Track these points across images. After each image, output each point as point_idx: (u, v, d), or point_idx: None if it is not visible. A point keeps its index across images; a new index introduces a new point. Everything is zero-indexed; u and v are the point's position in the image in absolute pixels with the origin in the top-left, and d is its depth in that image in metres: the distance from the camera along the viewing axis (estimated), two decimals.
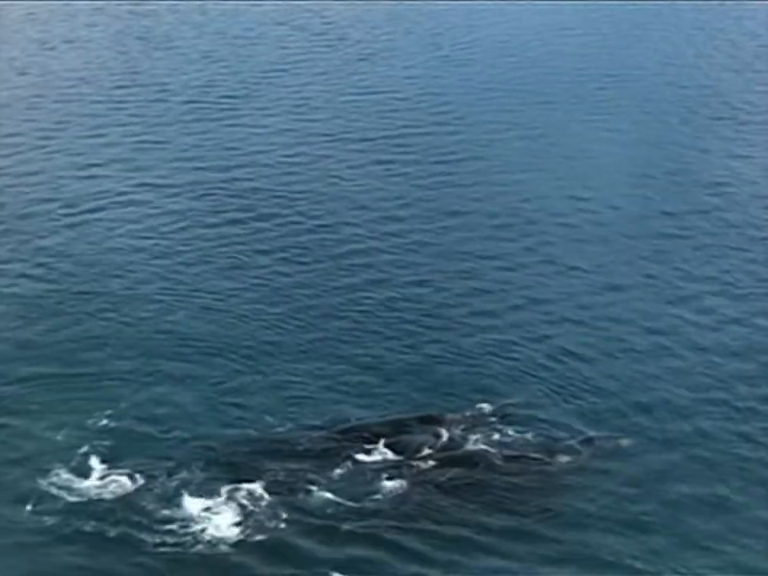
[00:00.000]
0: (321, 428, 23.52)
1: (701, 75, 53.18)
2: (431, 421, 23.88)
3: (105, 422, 23.64)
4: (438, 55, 57.06)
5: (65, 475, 21.82)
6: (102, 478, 21.77)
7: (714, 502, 21.66)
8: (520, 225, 35.17)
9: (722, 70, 54.19)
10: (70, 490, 21.45)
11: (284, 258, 32.49)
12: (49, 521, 20.74)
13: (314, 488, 21.63)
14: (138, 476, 21.81)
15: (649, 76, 52.99)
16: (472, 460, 22.60)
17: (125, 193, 37.47)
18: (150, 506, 21.01)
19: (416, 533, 20.68)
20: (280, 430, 23.61)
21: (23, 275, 31.08)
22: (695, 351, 27.31)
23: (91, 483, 21.66)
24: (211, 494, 21.34)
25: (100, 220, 35.15)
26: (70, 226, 34.65)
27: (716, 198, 37.72)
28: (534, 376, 26.06)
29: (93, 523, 20.67)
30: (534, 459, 22.70)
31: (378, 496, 21.57)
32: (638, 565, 20.05)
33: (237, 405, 24.61)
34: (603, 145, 42.73)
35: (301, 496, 21.43)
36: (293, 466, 22.22)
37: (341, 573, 19.68)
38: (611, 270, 31.93)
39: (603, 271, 31.85)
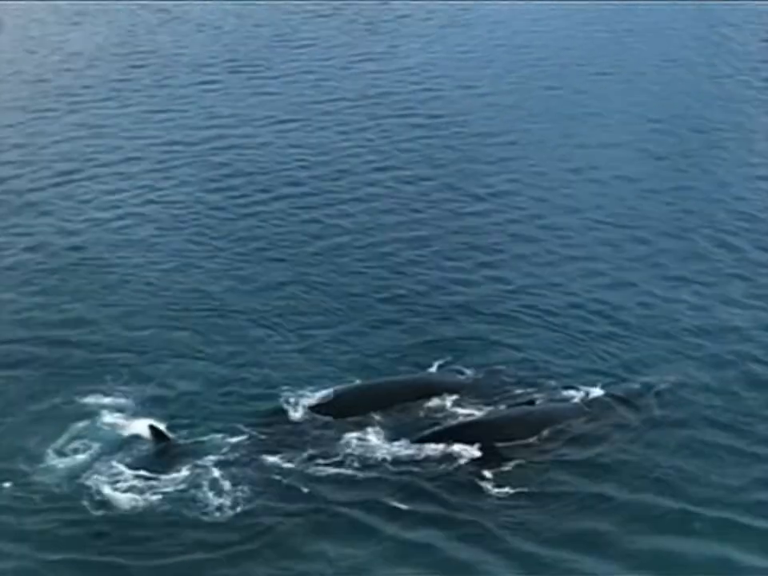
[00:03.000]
0: (328, 397, 23.07)
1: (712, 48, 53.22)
2: (442, 385, 23.56)
3: (115, 394, 23.35)
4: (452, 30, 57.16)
5: (67, 452, 21.50)
6: (104, 454, 21.39)
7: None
8: (527, 195, 34.97)
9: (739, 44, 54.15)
10: (72, 465, 21.13)
11: (296, 229, 32.40)
12: (47, 500, 20.28)
13: (324, 461, 21.29)
14: (145, 448, 21.65)
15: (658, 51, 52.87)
16: (486, 425, 22.22)
17: (132, 165, 37.69)
18: (160, 481, 20.70)
19: (424, 504, 20.31)
20: (290, 399, 23.29)
21: (27, 249, 31.08)
22: (701, 304, 27.48)
23: (90, 458, 21.31)
24: (215, 469, 21.00)
25: (108, 194, 35.23)
26: (78, 197, 34.87)
27: (723, 155, 37.89)
28: (545, 334, 26.03)
29: (90, 499, 20.22)
30: (549, 422, 22.26)
31: (387, 465, 21.23)
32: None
33: (247, 379, 24.25)
34: (611, 117, 42.49)
35: (311, 469, 21.08)
36: (299, 439, 21.98)
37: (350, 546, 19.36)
38: (616, 233, 31.88)
39: (609, 234, 31.88)
